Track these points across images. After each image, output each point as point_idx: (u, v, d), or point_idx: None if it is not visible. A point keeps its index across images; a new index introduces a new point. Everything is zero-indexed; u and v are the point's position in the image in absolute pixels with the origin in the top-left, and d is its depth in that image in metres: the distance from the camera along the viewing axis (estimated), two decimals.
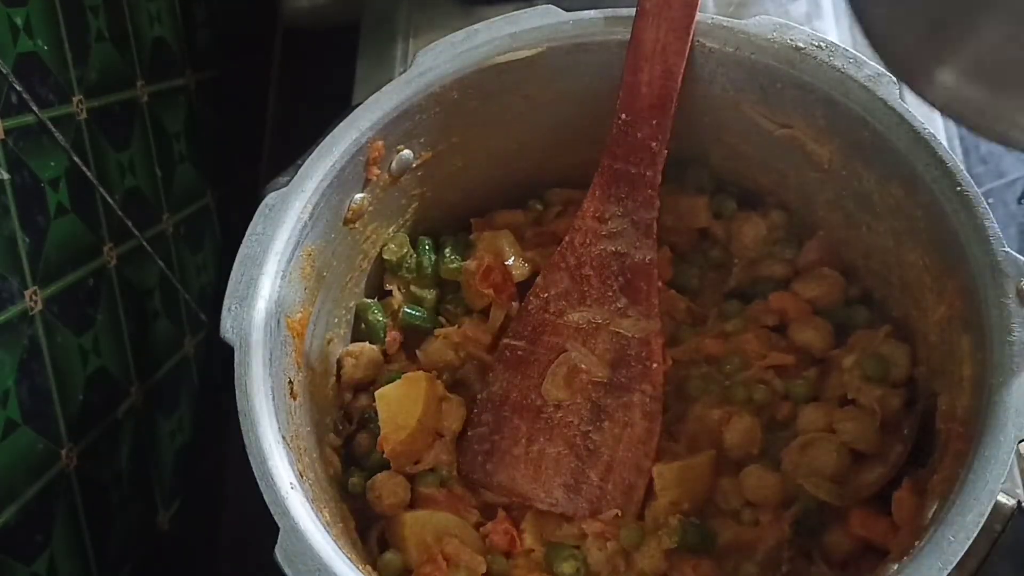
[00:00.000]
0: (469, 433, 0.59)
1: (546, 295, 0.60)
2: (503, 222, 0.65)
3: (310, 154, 0.56)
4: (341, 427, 0.61)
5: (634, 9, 0.57)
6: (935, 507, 0.47)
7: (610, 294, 0.59)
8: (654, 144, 0.57)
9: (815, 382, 0.58)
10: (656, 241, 0.59)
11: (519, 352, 0.60)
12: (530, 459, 0.58)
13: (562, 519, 0.57)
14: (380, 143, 0.57)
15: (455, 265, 0.63)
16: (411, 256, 0.64)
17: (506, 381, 0.59)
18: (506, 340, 0.60)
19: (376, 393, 0.58)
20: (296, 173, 0.55)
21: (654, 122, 0.57)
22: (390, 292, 0.64)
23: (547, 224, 0.65)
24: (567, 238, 0.60)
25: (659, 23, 0.56)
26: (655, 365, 0.58)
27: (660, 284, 0.60)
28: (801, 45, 0.55)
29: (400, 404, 0.57)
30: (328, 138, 0.56)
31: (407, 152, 0.60)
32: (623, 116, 0.57)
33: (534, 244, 0.64)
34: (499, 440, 0.59)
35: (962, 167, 0.51)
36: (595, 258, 0.59)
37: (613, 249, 0.59)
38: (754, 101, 0.58)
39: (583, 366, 0.58)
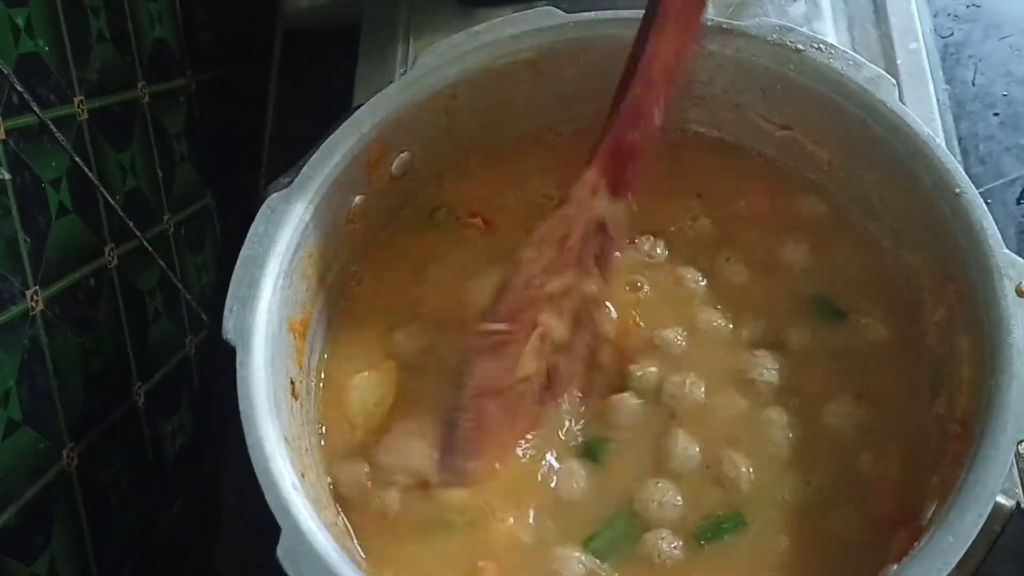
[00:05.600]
0: (448, 441, 0.55)
1: (533, 268, 0.56)
2: None
3: (311, 155, 0.56)
4: None
5: (635, 11, 0.56)
6: (934, 508, 0.47)
7: (586, 261, 0.57)
8: (656, 112, 0.55)
9: None
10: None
11: (498, 337, 0.56)
12: (501, 442, 0.55)
13: None
14: (382, 144, 0.58)
15: None
16: None
17: (485, 372, 0.55)
18: (483, 327, 0.56)
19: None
20: (298, 174, 0.55)
21: (662, 92, 0.55)
22: None
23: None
24: (562, 210, 0.57)
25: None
26: (605, 326, 0.58)
27: None
28: (801, 47, 0.56)
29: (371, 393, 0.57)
30: (330, 139, 0.56)
31: (408, 153, 0.60)
32: (638, 90, 0.55)
33: None
34: (483, 436, 0.55)
35: (961, 168, 0.52)
36: (583, 228, 0.57)
37: (598, 220, 0.57)
38: (754, 103, 0.58)
39: (554, 335, 0.57)
